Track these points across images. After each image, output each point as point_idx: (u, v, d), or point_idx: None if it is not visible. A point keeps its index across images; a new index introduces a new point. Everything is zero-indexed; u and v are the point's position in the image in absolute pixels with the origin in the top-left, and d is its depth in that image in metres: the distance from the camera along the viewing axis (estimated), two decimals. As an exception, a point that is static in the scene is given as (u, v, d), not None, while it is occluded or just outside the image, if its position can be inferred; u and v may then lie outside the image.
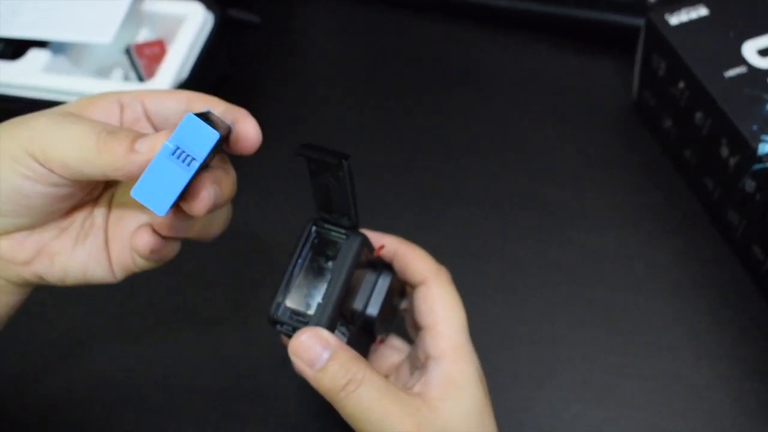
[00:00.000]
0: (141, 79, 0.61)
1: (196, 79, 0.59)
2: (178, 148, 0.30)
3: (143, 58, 0.62)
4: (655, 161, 0.60)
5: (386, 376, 0.44)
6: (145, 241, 0.35)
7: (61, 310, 0.55)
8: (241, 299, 0.54)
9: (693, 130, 0.54)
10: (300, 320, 0.37)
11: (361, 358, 0.37)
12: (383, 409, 0.35)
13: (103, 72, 0.63)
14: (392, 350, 0.45)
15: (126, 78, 0.63)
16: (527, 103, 0.65)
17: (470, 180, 0.60)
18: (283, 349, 0.37)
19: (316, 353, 0.35)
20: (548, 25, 0.68)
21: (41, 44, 0.60)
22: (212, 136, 0.30)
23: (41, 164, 0.32)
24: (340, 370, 0.35)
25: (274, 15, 0.73)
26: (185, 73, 0.59)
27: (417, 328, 0.42)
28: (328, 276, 0.37)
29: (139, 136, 0.32)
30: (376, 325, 0.41)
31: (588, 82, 0.65)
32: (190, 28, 0.61)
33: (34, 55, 0.60)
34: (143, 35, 0.64)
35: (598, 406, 0.49)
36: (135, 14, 0.63)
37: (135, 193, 0.30)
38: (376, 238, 0.42)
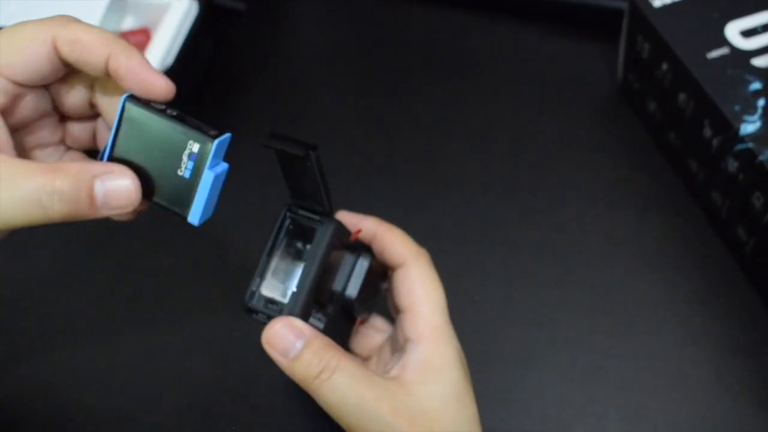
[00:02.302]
0: (126, 67, 0.61)
1: (182, 67, 0.59)
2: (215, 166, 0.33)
3: (128, 46, 0.61)
4: (641, 143, 0.60)
5: (369, 357, 0.44)
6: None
7: (40, 298, 0.55)
8: (223, 289, 0.54)
9: (676, 111, 0.54)
10: (274, 308, 0.37)
11: (335, 346, 0.36)
12: (358, 396, 0.35)
13: (88, 60, 0.63)
14: (375, 331, 0.45)
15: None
16: (514, 87, 0.65)
17: (457, 165, 0.61)
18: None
19: (290, 343, 0.35)
20: (534, 9, 0.68)
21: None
22: (227, 139, 0.33)
23: None
24: (314, 358, 0.35)
25: (260, 2, 0.73)
26: (170, 61, 0.59)
27: (397, 310, 0.42)
28: (303, 263, 0.37)
29: (93, 180, 0.32)
30: (356, 306, 0.41)
31: (573, 66, 0.66)
32: (174, 16, 0.61)
33: (18, 44, 0.59)
34: (128, 23, 0.64)
35: (583, 386, 0.49)
36: (119, 2, 0.63)
37: (194, 220, 0.33)
38: (355, 219, 0.42)
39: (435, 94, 0.66)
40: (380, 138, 0.63)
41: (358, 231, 0.42)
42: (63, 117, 0.38)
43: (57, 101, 0.37)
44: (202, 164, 0.33)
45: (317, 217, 0.37)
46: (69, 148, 0.39)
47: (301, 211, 0.38)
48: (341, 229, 0.38)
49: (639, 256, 0.54)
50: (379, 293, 0.45)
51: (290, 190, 0.37)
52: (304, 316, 0.37)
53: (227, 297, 0.53)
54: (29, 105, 0.35)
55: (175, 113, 0.33)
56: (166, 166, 0.33)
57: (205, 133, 0.32)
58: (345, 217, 0.42)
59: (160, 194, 0.34)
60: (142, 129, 0.33)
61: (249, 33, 0.71)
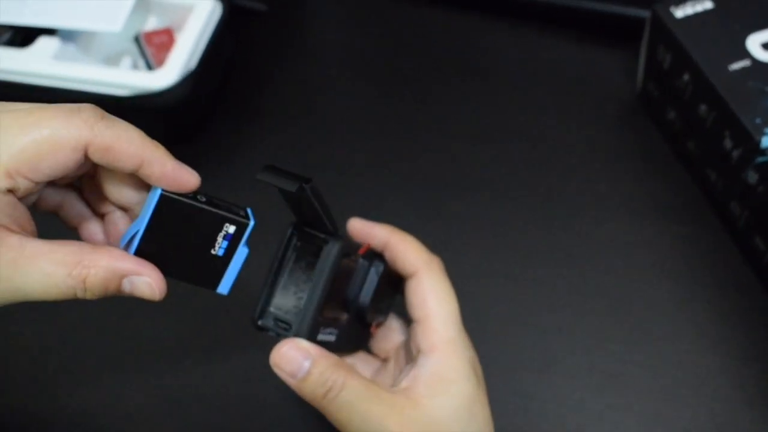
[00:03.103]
0: (150, 67, 0.62)
1: (205, 68, 0.60)
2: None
3: (152, 47, 0.62)
4: (659, 152, 0.61)
5: (387, 359, 0.44)
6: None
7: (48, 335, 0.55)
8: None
9: (697, 121, 0.55)
10: (283, 326, 0.38)
11: (342, 365, 0.37)
12: (365, 412, 0.36)
13: (111, 60, 0.63)
14: (393, 332, 0.45)
15: (135, 66, 0.63)
16: (533, 94, 0.66)
17: (475, 169, 0.61)
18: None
19: (297, 364, 0.36)
20: (555, 16, 0.69)
21: (50, 32, 0.61)
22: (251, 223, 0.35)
23: None
24: (320, 378, 0.36)
25: (281, 3, 0.73)
26: (194, 62, 0.59)
27: (411, 319, 0.42)
28: (311, 281, 0.38)
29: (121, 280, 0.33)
30: (369, 313, 0.41)
31: (593, 73, 0.66)
32: (198, 17, 0.61)
33: (43, 42, 0.60)
34: (152, 23, 0.64)
35: (601, 392, 0.50)
36: (144, 2, 0.63)
37: (224, 290, 0.36)
38: (367, 228, 0.42)
39: (454, 99, 0.66)
40: (398, 140, 0.64)
41: (367, 246, 0.42)
42: None
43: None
44: (238, 242, 0.35)
45: (323, 236, 0.38)
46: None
47: (307, 229, 0.38)
48: (348, 247, 0.38)
49: (657, 263, 0.55)
50: (395, 298, 0.45)
51: (293, 213, 0.38)
52: (312, 335, 0.37)
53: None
54: (39, 187, 0.34)
55: (204, 199, 0.35)
56: (198, 247, 0.35)
57: (238, 215, 0.35)
58: (357, 224, 0.43)
59: (187, 273, 0.36)
60: (175, 217, 0.34)
61: (270, 34, 0.72)
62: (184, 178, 0.34)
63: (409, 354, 0.42)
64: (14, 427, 0.50)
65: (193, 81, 0.58)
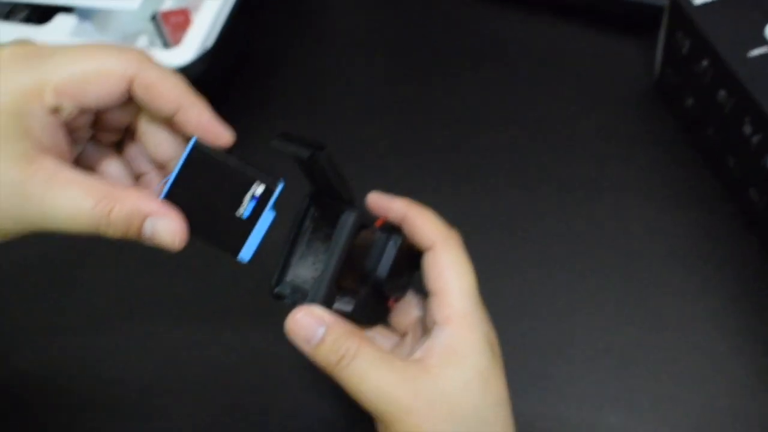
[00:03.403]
0: (167, 46, 0.62)
1: (221, 48, 0.60)
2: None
3: (169, 26, 0.62)
4: (675, 139, 0.61)
5: (405, 333, 0.44)
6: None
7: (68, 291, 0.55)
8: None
9: (715, 108, 0.55)
10: (299, 295, 0.38)
11: (356, 332, 0.37)
12: (378, 380, 0.36)
13: (128, 39, 0.63)
14: (412, 307, 0.45)
15: (151, 45, 0.63)
16: (550, 81, 0.66)
17: (494, 154, 0.61)
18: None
19: (311, 331, 0.36)
20: (572, 3, 0.69)
21: (68, 9, 0.61)
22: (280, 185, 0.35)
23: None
24: (334, 345, 0.36)
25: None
26: (210, 42, 0.59)
27: (428, 292, 0.42)
28: (328, 251, 0.38)
29: (144, 219, 0.33)
30: (386, 286, 0.41)
31: (610, 61, 0.66)
32: (216, -2, 0.61)
33: (60, 20, 0.60)
34: (169, 3, 0.64)
35: (617, 375, 0.50)
36: (161, -19, 0.63)
37: (246, 257, 0.36)
38: (385, 201, 0.42)
39: (469, 84, 0.66)
40: (412, 126, 0.64)
41: (384, 218, 0.41)
42: None
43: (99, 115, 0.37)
44: (264, 205, 0.35)
45: (340, 206, 0.38)
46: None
47: (324, 199, 0.38)
48: (364, 217, 0.38)
49: (673, 249, 0.55)
50: (413, 274, 0.45)
51: (310, 183, 0.38)
52: (327, 303, 0.37)
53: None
54: (83, 120, 0.35)
55: (236, 157, 0.35)
56: (224, 205, 0.35)
57: (270, 175, 0.35)
58: (376, 198, 0.42)
59: (210, 233, 0.36)
60: (205, 171, 0.34)
61: (285, 16, 0.72)
62: (220, 130, 0.34)
63: (426, 329, 0.42)
64: (27, 393, 0.50)
65: (208, 60, 0.58)
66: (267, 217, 0.36)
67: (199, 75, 0.58)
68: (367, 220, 0.39)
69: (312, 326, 0.36)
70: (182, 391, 0.50)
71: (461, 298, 0.40)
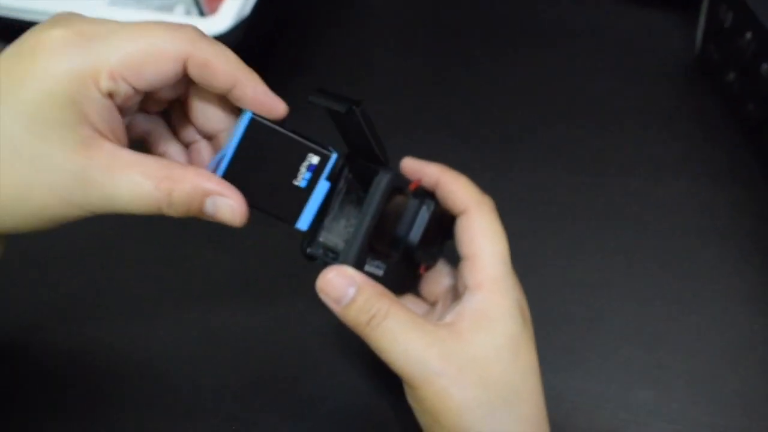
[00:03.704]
0: (203, 14, 0.62)
1: (258, 17, 0.60)
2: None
3: (205, -6, 0.62)
4: (715, 115, 0.59)
5: (436, 302, 0.44)
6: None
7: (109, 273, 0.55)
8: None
9: (758, 82, 0.53)
10: (331, 256, 0.38)
11: (387, 294, 0.37)
12: (407, 341, 0.36)
13: (165, 7, 0.63)
14: (442, 275, 0.45)
15: (188, 14, 0.63)
16: (590, 55, 0.65)
17: (530, 128, 0.61)
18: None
19: (342, 290, 0.36)
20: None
21: (106, -22, 0.61)
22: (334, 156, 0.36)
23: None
24: (365, 305, 0.36)
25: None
26: (247, 11, 0.59)
27: (460, 258, 0.41)
28: (360, 212, 0.38)
29: (205, 198, 0.34)
30: (418, 252, 0.41)
31: (650, 34, 0.65)
32: (253, -34, 0.61)
33: (99, -11, 0.60)
34: (205, -28, 0.64)
35: (649, 352, 0.49)
36: (199, -49, 0.63)
37: (303, 225, 0.37)
38: (419, 166, 0.42)
39: (509, 61, 0.65)
40: (450, 101, 0.63)
41: (418, 182, 0.41)
42: None
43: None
44: (320, 174, 0.36)
45: (374, 167, 0.38)
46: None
47: (359, 160, 0.38)
48: (398, 179, 0.38)
49: (709, 226, 0.54)
50: (446, 243, 0.45)
51: (345, 143, 0.38)
52: (358, 264, 0.37)
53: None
54: (135, 98, 0.35)
55: (290, 129, 0.35)
56: (281, 176, 0.36)
57: (324, 147, 0.36)
58: (410, 162, 0.42)
59: (269, 203, 0.36)
60: (262, 143, 0.35)
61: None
62: (275, 103, 0.35)
63: (457, 295, 0.42)
64: (52, 363, 0.50)
65: (245, 28, 0.58)
66: (322, 186, 0.36)
67: (236, 44, 0.57)
68: (401, 182, 0.39)
69: (343, 286, 0.36)
70: (211, 364, 0.50)
71: (493, 263, 0.39)
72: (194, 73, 0.33)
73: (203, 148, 0.38)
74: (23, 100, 0.31)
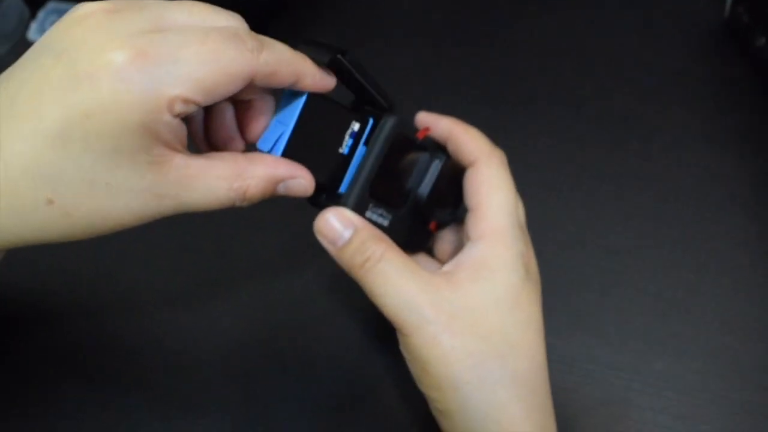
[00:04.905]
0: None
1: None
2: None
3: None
4: (743, 81, 0.58)
5: (445, 261, 0.43)
6: None
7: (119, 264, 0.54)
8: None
9: (790, 46, 0.52)
10: (334, 201, 0.37)
11: (383, 238, 0.36)
12: (400, 286, 0.35)
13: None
14: (454, 235, 0.44)
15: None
16: (616, 18, 0.63)
17: (555, 88, 0.59)
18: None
19: (338, 232, 0.36)
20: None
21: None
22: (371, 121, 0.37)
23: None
24: (360, 247, 0.36)
25: None
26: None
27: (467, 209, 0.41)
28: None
29: (277, 185, 0.35)
30: (427, 206, 0.40)
31: (679, -1, 0.63)
32: None
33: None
34: None
35: (665, 320, 0.48)
36: None
37: (344, 188, 0.37)
38: (432, 119, 0.41)
39: (535, 22, 0.64)
40: (477, 55, 0.62)
41: (426, 129, 0.41)
42: None
43: None
44: (359, 140, 0.37)
45: (377, 113, 0.37)
46: None
47: (366, 108, 0.38)
48: (403, 125, 0.38)
49: (732, 194, 0.52)
50: (462, 201, 0.44)
51: (352, 92, 0.38)
52: (358, 208, 0.37)
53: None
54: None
55: (332, 99, 0.36)
56: (330, 145, 0.36)
57: (359, 112, 0.37)
58: (424, 117, 0.42)
59: (323, 172, 0.37)
60: (314, 117, 0.35)
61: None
62: (327, 81, 0.35)
63: (460, 246, 0.41)
64: (81, 349, 0.50)
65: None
66: (360, 151, 0.37)
67: (244, 2, 0.56)
68: (408, 129, 0.39)
69: (339, 227, 0.36)
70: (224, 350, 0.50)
71: (497, 213, 0.38)
72: (260, 83, 0.33)
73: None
74: (95, 133, 0.30)
